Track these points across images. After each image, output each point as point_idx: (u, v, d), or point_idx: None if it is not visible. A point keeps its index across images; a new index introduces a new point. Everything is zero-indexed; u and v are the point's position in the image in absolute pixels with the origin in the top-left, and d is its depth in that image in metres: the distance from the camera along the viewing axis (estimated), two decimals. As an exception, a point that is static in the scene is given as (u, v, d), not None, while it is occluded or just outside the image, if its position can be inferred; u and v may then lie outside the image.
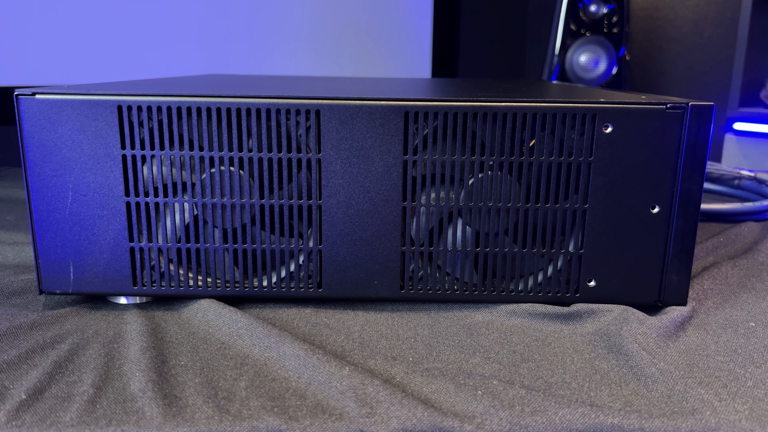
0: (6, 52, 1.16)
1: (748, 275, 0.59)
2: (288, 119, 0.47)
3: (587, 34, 1.36)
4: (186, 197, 0.48)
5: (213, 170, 0.48)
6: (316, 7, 1.38)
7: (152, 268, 0.50)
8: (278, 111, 0.47)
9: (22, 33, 1.17)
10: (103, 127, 0.47)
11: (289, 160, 0.48)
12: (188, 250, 0.50)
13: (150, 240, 0.49)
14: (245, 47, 1.34)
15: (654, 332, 0.46)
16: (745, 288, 0.56)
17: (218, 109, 0.47)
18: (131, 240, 0.49)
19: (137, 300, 0.52)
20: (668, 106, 0.47)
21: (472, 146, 0.48)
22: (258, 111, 0.47)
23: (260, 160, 0.48)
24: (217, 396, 0.38)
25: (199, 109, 0.47)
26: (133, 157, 0.47)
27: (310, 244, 0.50)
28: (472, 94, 0.51)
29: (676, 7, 1.39)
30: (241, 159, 0.48)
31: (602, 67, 1.36)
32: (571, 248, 0.50)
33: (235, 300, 0.51)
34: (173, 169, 0.48)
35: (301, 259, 0.50)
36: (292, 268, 0.50)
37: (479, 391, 0.39)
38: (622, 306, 0.50)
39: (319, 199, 0.49)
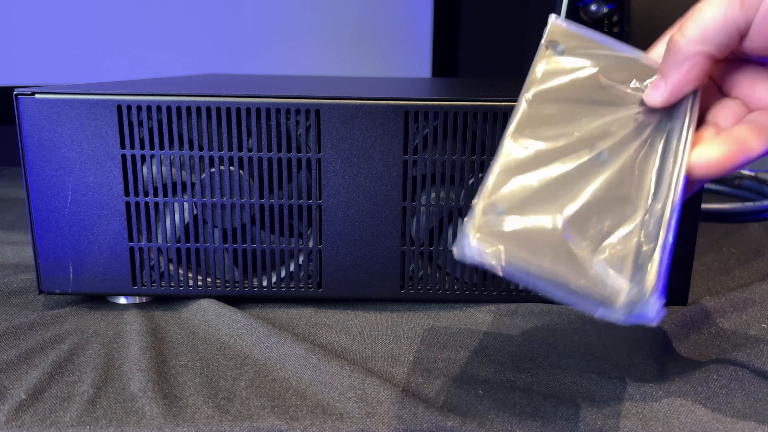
0: (5, 52, 1.16)
1: (755, 276, 0.59)
2: (288, 119, 0.47)
3: (587, 34, 1.35)
4: (186, 197, 0.48)
5: (213, 170, 0.48)
6: (316, 7, 1.38)
7: (152, 268, 0.50)
8: (278, 110, 0.47)
9: (21, 32, 1.17)
10: (103, 127, 0.47)
11: (289, 160, 0.48)
12: (188, 249, 0.50)
13: (150, 240, 0.49)
14: (245, 47, 1.34)
15: (658, 332, 0.46)
16: (752, 291, 0.55)
17: (218, 109, 0.46)
18: (131, 240, 0.49)
19: (137, 300, 0.52)
20: (669, 105, 0.47)
21: (473, 146, 0.48)
22: (258, 110, 0.47)
23: (260, 159, 0.48)
24: (217, 396, 0.38)
25: (198, 109, 0.46)
26: (133, 156, 0.47)
27: (310, 244, 0.50)
28: (472, 93, 0.51)
29: (676, 7, 1.39)
30: (240, 159, 0.47)
31: (602, 66, 1.35)
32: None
33: (235, 300, 0.51)
34: (173, 169, 0.48)
35: (301, 259, 0.50)
36: (292, 268, 0.50)
37: (480, 391, 0.39)
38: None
39: (319, 199, 0.48)
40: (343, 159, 0.48)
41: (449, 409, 0.37)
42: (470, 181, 0.48)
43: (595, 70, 0.37)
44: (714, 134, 0.34)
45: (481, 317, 0.49)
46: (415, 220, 0.49)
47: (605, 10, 1.34)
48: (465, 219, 0.34)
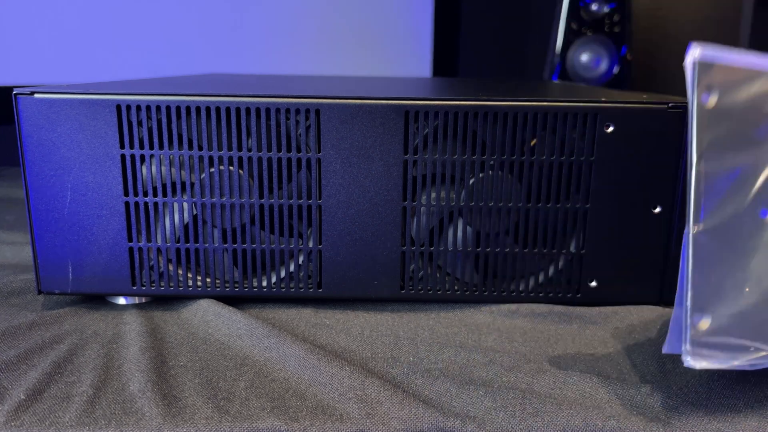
0: (5, 52, 1.16)
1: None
2: (288, 118, 0.47)
3: (589, 33, 1.36)
4: (185, 197, 0.48)
5: (212, 170, 0.48)
6: (316, 7, 1.37)
7: (151, 268, 0.50)
8: (278, 110, 0.47)
9: (21, 32, 1.17)
10: (102, 127, 0.46)
11: (289, 160, 0.48)
12: (187, 250, 0.50)
13: (149, 240, 0.49)
14: (245, 47, 1.34)
15: (657, 333, 0.46)
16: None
17: (218, 109, 0.46)
18: (130, 240, 0.49)
19: (136, 300, 0.51)
20: (670, 105, 0.47)
21: (473, 146, 0.48)
22: (258, 110, 0.47)
23: (260, 159, 0.47)
24: (216, 396, 0.38)
25: (198, 109, 0.46)
26: (132, 156, 0.47)
27: (310, 244, 0.49)
28: (473, 93, 0.51)
29: (677, 7, 1.39)
30: (240, 158, 0.47)
31: (604, 66, 1.35)
32: (572, 248, 0.50)
33: (235, 300, 0.51)
34: (172, 169, 0.48)
35: (301, 259, 0.50)
36: (292, 268, 0.50)
37: (480, 392, 0.38)
38: (624, 306, 0.50)
39: (319, 199, 0.48)
40: (343, 159, 0.48)
41: (449, 409, 0.37)
42: (471, 181, 0.48)
43: (755, 101, 0.34)
44: None
45: (481, 317, 0.49)
46: (415, 220, 0.49)
47: (606, 9, 1.34)
48: (671, 322, 0.36)
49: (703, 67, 0.34)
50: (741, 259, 0.35)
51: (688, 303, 0.34)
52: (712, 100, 0.34)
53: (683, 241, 0.35)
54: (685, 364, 0.34)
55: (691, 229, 0.34)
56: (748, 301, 0.34)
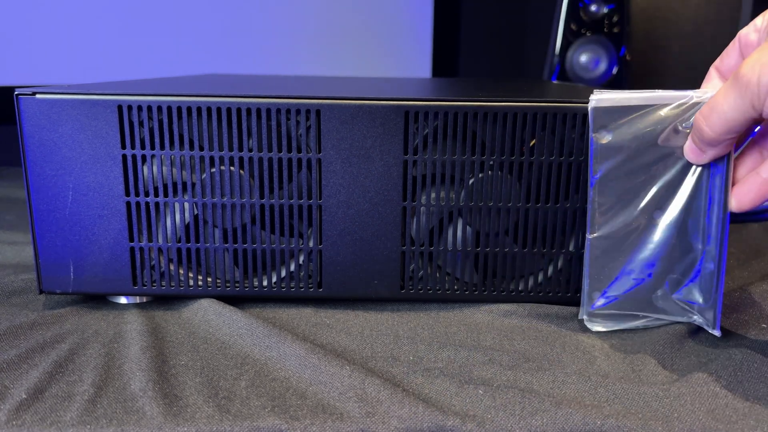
0: (6, 52, 1.16)
1: (754, 276, 0.59)
2: (288, 119, 0.47)
3: (588, 34, 1.36)
4: (186, 197, 0.48)
5: (213, 170, 0.48)
6: (316, 7, 1.38)
7: (152, 267, 0.50)
8: (278, 111, 0.47)
9: (22, 32, 1.17)
10: (104, 127, 0.47)
11: (289, 160, 0.48)
12: (188, 249, 0.50)
13: (150, 240, 0.49)
14: (245, 46, 1.34)
15: (657, 333, 0.46)
16: (752, 291, 0.55)
17: (218, 109, 0.47)
18: (131, 240, 0.49)
19: (137, 300, 0.52)
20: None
21: (473, 146, 0.48)
22: (258, 111, 0.47)
23: (260, 159, 0.48)
24: (217, 396, 0.38)
25: (199, 109, 0.47)
26: (134, 156, 0.47)
27: (310, 243, 0.50)
28: (473, 93, 0.51)
29: (676, 7, 1.39)
30: (241, 159, 0.48)
31: (603, 66, 1.36)
32: (571, 248, 0.50)
33: (235, 300, 0.51)
34: (173, 169, 0.48)
35: (301, 258, 0.50)
36: (292, 267, 0.50)
37: (480, 391, 0.39)
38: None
39: (319, 199, 0.49)
40: (344, 159, 0.48)
41: (449, 407, 0.37)
42: (470, 181, 0.48)
43: (642, 135, 0.42)
44: (757, 157, 0.41)
45: (481, 317, 0.50)
46: (415, 220, 0.49)
47: (605, 10, 1.34)
48: (582, 301, 0.47)
49: (598, 111, 0.43)
50: (630, 253, 0.45)
51: (586, 287, 0.46)
52: (606, 138, 0.43)
53: (585, 243, 0.46)
54: (588, 326, 0.47)
55: (589, 235, 0.45)
56: (634, 284, 0.45)
